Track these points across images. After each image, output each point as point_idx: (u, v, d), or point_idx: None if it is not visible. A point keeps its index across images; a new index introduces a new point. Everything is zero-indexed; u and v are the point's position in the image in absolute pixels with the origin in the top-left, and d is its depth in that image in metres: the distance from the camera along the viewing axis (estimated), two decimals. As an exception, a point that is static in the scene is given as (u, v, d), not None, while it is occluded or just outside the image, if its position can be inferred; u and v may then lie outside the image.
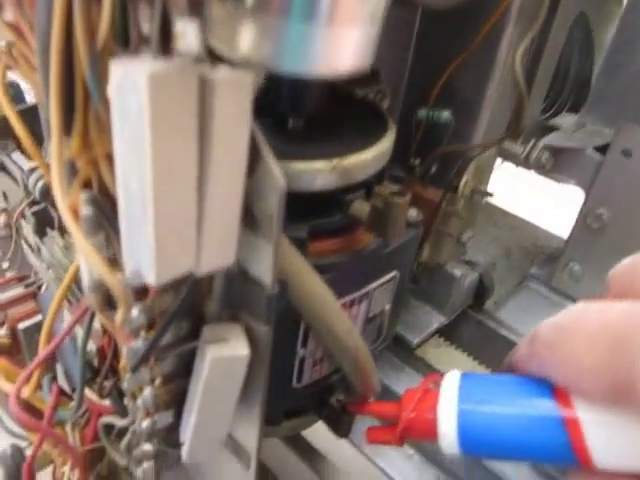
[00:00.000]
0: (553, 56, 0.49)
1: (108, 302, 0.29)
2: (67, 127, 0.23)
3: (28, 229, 0.45)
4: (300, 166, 0.33)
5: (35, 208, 0.46)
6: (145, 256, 0.23)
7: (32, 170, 0.44)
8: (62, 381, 0.40)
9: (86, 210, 0.25)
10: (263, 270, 0.27)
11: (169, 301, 0.27)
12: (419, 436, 0.33)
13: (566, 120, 0.56)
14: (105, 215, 0.25)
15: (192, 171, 0.22)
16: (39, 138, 0.31)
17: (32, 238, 0.44)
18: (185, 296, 0.26)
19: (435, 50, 0.43)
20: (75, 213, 0.24)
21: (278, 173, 0.24)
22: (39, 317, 0.42)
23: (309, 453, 0.50)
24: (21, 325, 0.41)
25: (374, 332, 0.42)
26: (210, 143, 0.22)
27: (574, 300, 0.58)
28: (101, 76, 0.22)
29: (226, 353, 0.28)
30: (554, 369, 0.26)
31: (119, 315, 0.25)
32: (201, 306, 0.29)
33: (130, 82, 0.19)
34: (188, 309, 0.28)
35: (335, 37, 0.24)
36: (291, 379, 0.39)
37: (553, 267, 0.60)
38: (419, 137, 0.44)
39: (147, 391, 0.30)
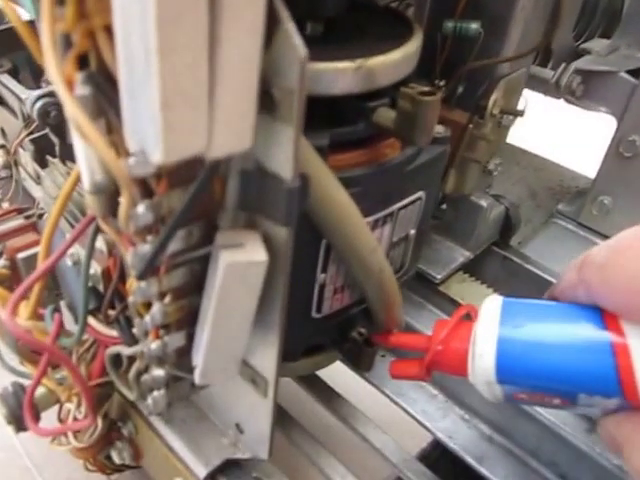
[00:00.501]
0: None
1: (111, 210, 0.27)
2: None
3: (27, 157, 0.42)
4: (320, 66, 0.30)
5: (34, 135, 0.43)
6: (150, 129, 0.20)
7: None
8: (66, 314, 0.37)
9: (84, 90, 0.22)
10: (283, 160, 0.24)
11: (178, 200, 0.24)
12: (449, 368, 0.31)
13: (598, 44, 0.52)
14: (105, 95, 0.22)
15: (202, 20, 0.18)
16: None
17: (31, 166, 0.42)
18: (198, 187, 0.23)
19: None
20: (70, 86, 0.21)
21: (299, 41, 0.21)
22: (39, 248, 0.40)
23: (327, 394, 0.47)
24: (21, 255, 0.39)
25: (398, 260, 0.39)
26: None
27: (603, 235, 0.55)
28: None
29: (242, 258, 0.25)
30: (605, 293, 0.24)
31: (122, 207, 0.22)
32: (213, 212, 0.26)
33: None
34: (199, 212, 0.25)
35: None
36: (310, 308, 0.36)
37: (581, 203, 0.57)
38: (445, 54, 0.41)
39: (156, 307, 0.27)
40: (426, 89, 0.30)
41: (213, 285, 0.26)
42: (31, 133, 0.45)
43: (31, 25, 0.32)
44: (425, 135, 0.30)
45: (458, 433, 0.45)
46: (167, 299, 0.27)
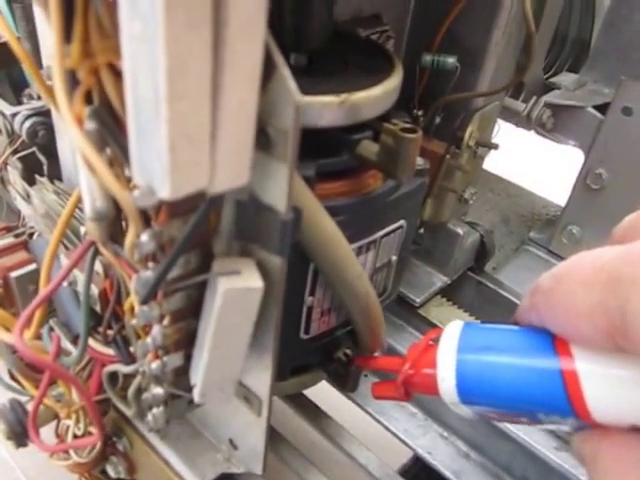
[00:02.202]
0: (553, 15, 0.49)
1: (111, 235, 0.28)
2: (66, 33, 0.22)
3: (15, 175, 0.43)
4: (307, 100, 0.32)
5: (22, 153, 0.44)
6: (157, 168, 0.21)
7: (16, 115, 0.42)
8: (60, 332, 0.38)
9: (90, 124, 0.23)
10: (277, 194, 0.25)
11: (178, 228, 0.25)
12: (421, 390, 0.32)
13: (567, 78, 0.55)
14: (109, 129, 0.24)
15: (206, 71, 0.20)
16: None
17: (20, 184, 0.42)
18: (199, 219, 0.24)
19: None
20: (80, 123, 0.23)
21: (293, 85, 0.23)
22: (31, 266, 0.40)
23: (313, 413, 0.49)
24: (13, 274, 0.40)
25: (381, 284, 0.41)
26: (225, 43, 0.20)
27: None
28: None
29: (239, 285, 0.27)
30: (552, 317, 0.25)
31: (129, 237, 0.24)
32: (209, 239, 0.28)
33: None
34: (197, 241, 0.27)
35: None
36: (299, 330, 0.38)
37: (552, 231, 0.59)
38: (423, 85, 0.43)
39: (156, 329, 0.28)
40: (408, 126, 0.32)
41: (211, 310, 0.27)
42: (16, 150, 0.46)
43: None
44: (407, 171, 0.32)
45: (437, 450, 0.47)
46: (166, 321, 0.29)
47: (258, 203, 0.26)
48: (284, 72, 0.23)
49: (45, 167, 0.42)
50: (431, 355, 0.30)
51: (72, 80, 0.24)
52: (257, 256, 0.28)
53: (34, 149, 0.43)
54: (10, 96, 0.52)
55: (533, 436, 0.45)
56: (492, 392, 0.27)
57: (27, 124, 0.40)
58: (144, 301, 0.26)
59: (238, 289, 0.27)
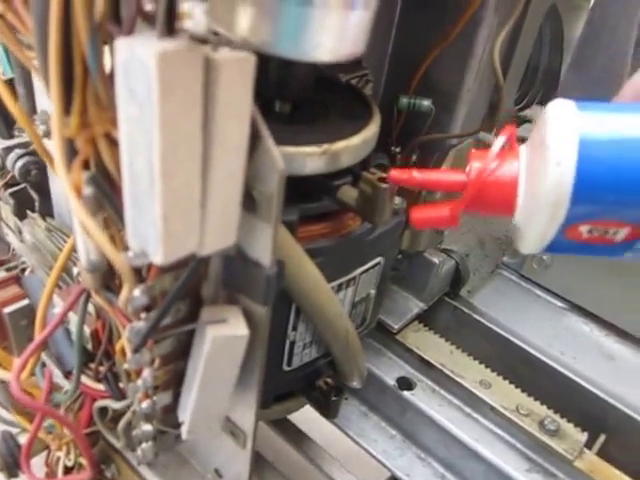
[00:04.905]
0: (526, 49, 0.51)
1: (104, 284, 0.30)
2: (66, 106, 0.24)
3: (7, 210, 0.44)
4: (291, 150, 0.34)
5: (14, 189, 0.45)
6: (151, 235, 0.23)
7: (8, 149, 0.43)
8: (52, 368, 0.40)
9: (87, 190, 0.25)
10: (262, 251, 0.27)
11: (169, 282, 0.27)
12: (491, 205, 0.26)
13: (537, 112, 0.58)
14: (105, 194, 0.25)
15: (197, 149, 0.22)
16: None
17: (12, 220, 0.44)
18: (188, 275, 0.26)
19: (415, 40, 0.44)
20: (78, 192, 0.24)
21: (277, 154, 0.25)
22: (24, 302, 0.42)
23: (296, 436, 0.50)
24: (6, 309, 0.41)
25: (360, 317, 0.43)
26: (214, 121, 0.22)
27: (544, 288, 0.60)
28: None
29: (226, 332, 0.29)
30: None
31: (123, 294, 0.26)
32: (198, 289, 0.30)
33: (138, 60, 0.20)
34: (186, 291, 0.29)
35: (331, 21, 0.24)
36: (282, 362, 0.40)
37: (523, 256, 0.62)
38: (401, 125, 0.46)
39: (147, 372, 0.30)
40: (384, 175, 0.34)
41: (200, 355, 0.29)
42: (7, 183, 0.46)
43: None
44: (383, 216, 0.34)
45: (414, 471, 0.49)
46: (156, 364, 0.30)
47: (244, 257, 0.28)
48: (269, 143, 0.25)
49: (37, 204, 0.44)
50: (510, 158, 0.25)
51: (70, 146, 0.25)
52: (243, 304, 0.30)
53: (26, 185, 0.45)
54: (2, 128, 0.53)
55: (505, 457, 0.47)
56: (623, 175, 0.22)
57: (19, 163, 0.41)
58: (136, 349, 0.28)
59: (225, 337, 0.28)
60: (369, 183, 0.34)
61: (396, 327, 0.51)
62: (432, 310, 0.55)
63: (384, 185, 0.33)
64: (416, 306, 0.53)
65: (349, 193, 0.35)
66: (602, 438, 0.51)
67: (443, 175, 0.28)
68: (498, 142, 0.25)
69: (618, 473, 0.48)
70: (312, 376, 0.43)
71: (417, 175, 0.28)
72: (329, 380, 0.43)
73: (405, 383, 0.51)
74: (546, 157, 0.23)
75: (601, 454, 0.50)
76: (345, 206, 0.36)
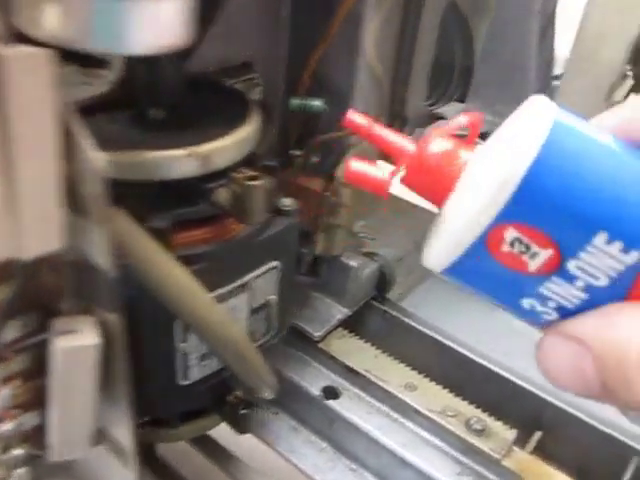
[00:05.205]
0: (428, 45, 0.51)
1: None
2: None
3: None
4: (155, 154, 0.33)
5: None
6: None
7: None
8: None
9: None
10: (99, 255, 0.26)
11: (5, 293, 0.26)
12: (428, 181, 0.24)
13: (452, 109, 0.57)
14: None
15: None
16: None
17: None
18: (19, 284, 0.25)
19: (305, 41, 0.44)
20: None
21: (94, 156, 0.24)
22: None
23: (219, 454, 0.49)
24: None
25: (262, 324, 0.42)
26: (9, 122, 0.22)
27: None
28: None
29: (75, 343, 0.28)
30: None
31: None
32: (49, 299, 0.29)
33: None
34: (32, 302, 0.28)
35: (140, 13, 0.24)
36: (174, 376, 0.38)
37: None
38: (297, 127, 0.45)
39: (4, 391, 0.29)
40: (254, 174, 0.33)
41: (52, 369, 0.28)
42: None
43: None
44: (255, 216, 0.33)
45: (346, 483, 0.48)
46: (16, 382, 0.29)
47: (87, 263, 0.27)
48: (84, 145, 0.24)
49: None
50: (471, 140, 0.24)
51: None
52: (97, 313, 0.29)
53: None
54: None
55: (435, 463, 0.46)
56: (581, 177, 0.20)
57: None
58: (-24, 368, 0.27)
59: (73, 347, 0.27)
60: (238, 183, 0.33)
61: (317, 335, 0.50)
62: (359, 315, 0.54)
63: (252, 183, 0.33)
64: (339, 312, 0.52)
65: (222, 195, 0.35)
66: (537, 435, 0.50)
67: (396, 137, 0.26)
68: (456, 121, 0.24)
69: (552, 470, 0.47)
70: (221, 390, 0.42)
71: (373, 125, 0.26)
72: (238, 393, 0.42)
73: (331, 392, 0.50)
74: (507, 144, 0.22)
75: (537, 451, 0.49)
76: (220, 209, 0.35)
